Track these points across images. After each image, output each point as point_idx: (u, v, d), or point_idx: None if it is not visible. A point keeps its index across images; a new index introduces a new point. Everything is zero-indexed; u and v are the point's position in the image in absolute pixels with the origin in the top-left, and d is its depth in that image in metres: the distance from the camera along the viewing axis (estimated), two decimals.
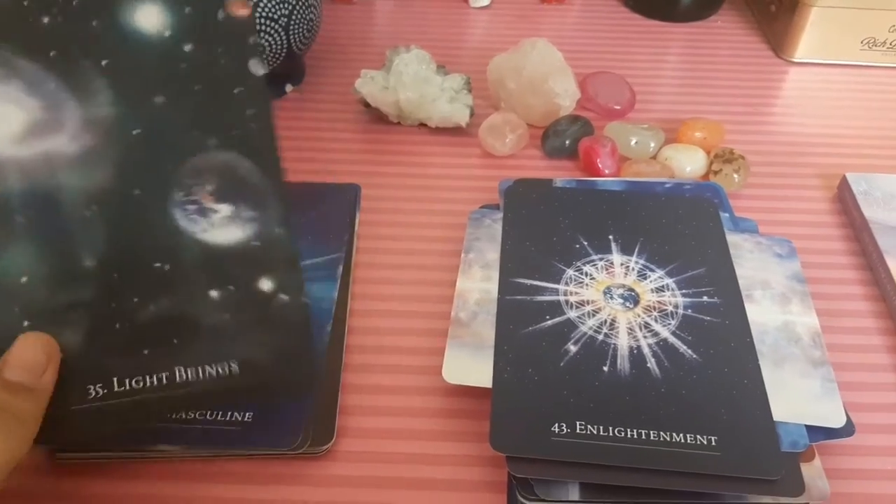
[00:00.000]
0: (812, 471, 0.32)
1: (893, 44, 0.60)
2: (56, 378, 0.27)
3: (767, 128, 0.55)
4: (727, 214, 0.44)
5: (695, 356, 0.36)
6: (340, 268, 0.41)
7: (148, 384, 0.28)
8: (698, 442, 0.32)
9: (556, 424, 0.33)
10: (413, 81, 0.51)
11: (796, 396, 0.35)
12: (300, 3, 0.51)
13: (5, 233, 0.27)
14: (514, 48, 0.53)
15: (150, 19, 0.29)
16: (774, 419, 0.33)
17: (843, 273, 0.43)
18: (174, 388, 0.28)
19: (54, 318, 0.27)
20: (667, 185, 0.46)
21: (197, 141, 0.29)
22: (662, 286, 0.39)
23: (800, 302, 0.39)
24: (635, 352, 0.36)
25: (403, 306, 0.41)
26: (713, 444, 0.32)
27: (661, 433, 0.33)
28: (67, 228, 0.28)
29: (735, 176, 0.47)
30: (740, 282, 0.39)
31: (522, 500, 0.31)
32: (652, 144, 0.50)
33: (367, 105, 0.52)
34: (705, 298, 0.38)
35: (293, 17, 0.51)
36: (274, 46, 0.52)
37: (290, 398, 0.30)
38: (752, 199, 0.48)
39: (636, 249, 0.41)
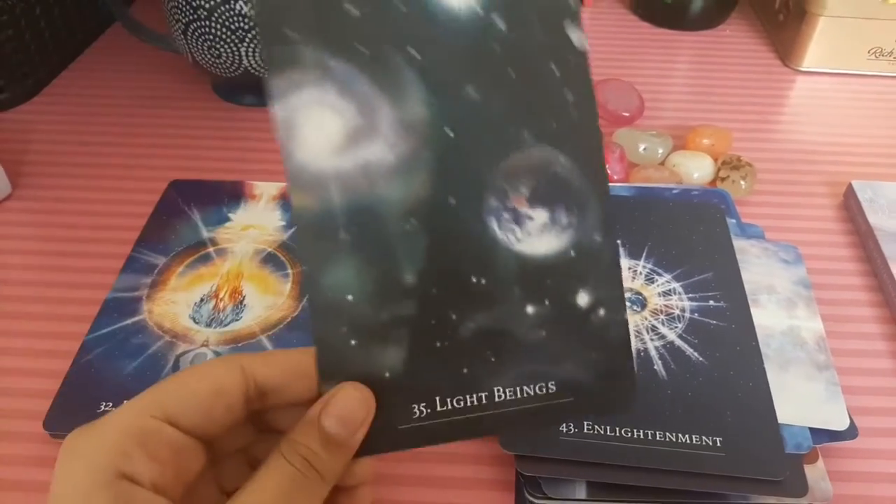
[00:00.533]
0: (815, 472, 0.33)
1: None
2: (364, 437, 0.26)
3: (775, 135, 0.55)
4: (734, 220, 0.44)
5: (701, 359, 0.36)
6: None
7: (468, 404, 0.27)
8: (704, 443, 0.33)
9: (565, 424, 0.33)
10: None
11: (801, 399, 0.35)
12: None
13: (332, 250, 0.26)
14: None
15: None
16: (779, 421, 0.34)
17: (849, 279, 0.44)
18: (494, 407, 0.27)
19: (379, 336, 0.26)
20: (674, 191, 0.47)
21: (511, 137, 0.27)
22: (669, 290, 0.40)
23: (805, 307, 0.39)
24: (642, 354, 0.37)
25: None
26: (718, 444, 0.33)
27: (668, 434, 0.33)
28: (389, 243, 0.26)
29: (742, 182, 0.48)
30: (746, 286, 0.40)
31: (530, 498, 0.32)
32: (660, 151, 0.51)
33: None
34: (711, 302, 0.39)
35: None
36: None
37: (609, 415, 0.29)
38: (759, 205, 0.49)
39: (644, 254, 0.42)
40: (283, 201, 0.47)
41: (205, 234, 0.44)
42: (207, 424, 0.25)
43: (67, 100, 0.58)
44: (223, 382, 0.25)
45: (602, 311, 0.27)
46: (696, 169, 0.49)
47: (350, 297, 0.26)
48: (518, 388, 0.27)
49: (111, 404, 0.35)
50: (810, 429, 0.34)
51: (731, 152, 0.51)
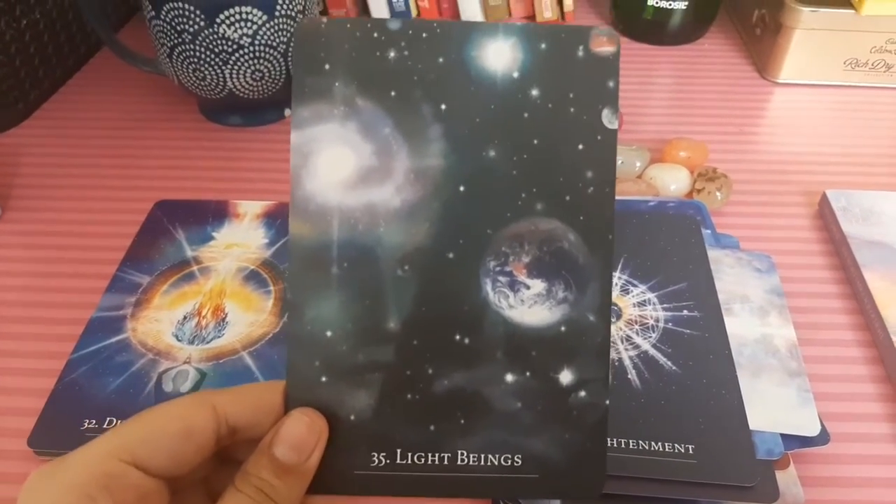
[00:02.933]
0: (787, 478, 0.34)
1: (875, 64, 0.61)
2: (318, 463, 0.25)
3: (752, 147, 0.56)
4: (709, 231, 0.45)
5: (674, 368, 0.37)
6: None
7: (429, 462, 0.26)
8: (676, 450, 0.34)
9: None
10: None
11: (773, 406, 0.36)
12: None
13: (321, 283, 0.26)
14: None
15: (501, 58, 0.26)
16: (751, 428, 0.35)
17: (823, 287, 0.45)
18: (455, 470, 0.26)
19: (351, 377, 0.26)
20: (651, 204, 0.47)
21: (522, 204, 0.26)
22: (644, 300, 0.40)
23: (778, 315, 0.40)
24: (616, 363, 0.37)
25: None
26: (690, 452, 0.33)
27: (640, 442, 0.34)
28: (379, 286, 0.26)
29: (718, 194, 0.49)
30: (720, 296, 0.41)
31: None
32: (638, 164, 0.52)
33: None
34: (685, 312, 0.40)
35: (291, 44, 0.53)
36: (273, 72, 0.54)
37: (573, 499, 0.28)
38: (735, 216, 0.49)
39: (619, 265, 0.42)
40: (267, 219, 0.47)
41: (189, 252, 0.45)
42: (175, 466, 0.24)
43: (57, 123, 0.59)
44: (194, 423, 0.25)
45: (583, 393, 0.26)
46: (672, 181, 0.50)
47: (329, 334, 0.26)
48: (483, 456, 0.26)
49: (95, 422, 0.36)
50: (782, 435, 0.35)
51: (708, 164, 0.52)
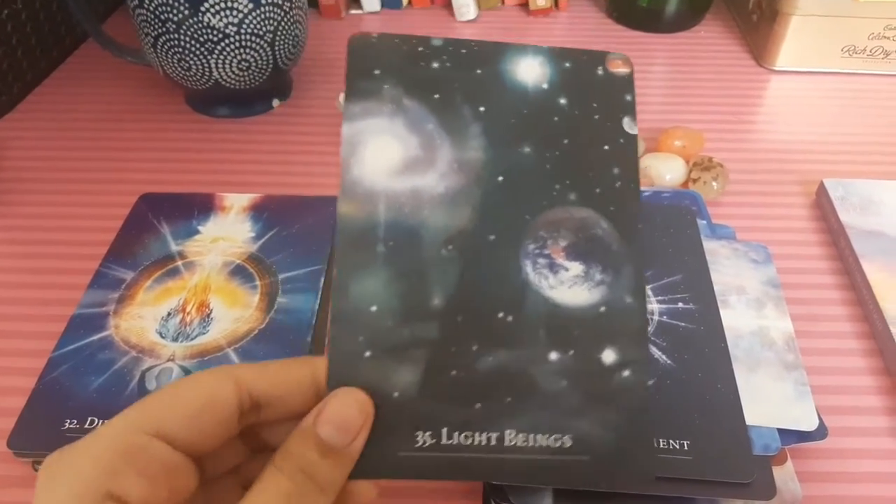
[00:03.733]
0: (784, 474, 0.33)
1: (873, 51, 0.60)
2: (363, 446, 0.24)
3: (748, 136, 0.55)
4: (704, 222, 0.44)
5: (669, 362, 0.36)
6: (322, 279, 0.42)
7: (475, 442, 0.26)
8: (671, 446, 0.33)
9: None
10: None
11: (770, 400, 0.35)
12: (285, 19, 0.52)
13: (366, 260, 0.27)
14: None
15: (531, 72, 0.29)
16: (748, 423, 0.34)
17: (821, 278, 0.44)
18: (502, 451, 0.26)
19: (395, 353, 0.26)
20: (645, 194, 0.46)
21: (557, 194, 0.28)
22: None
23: (774, 307, 0.39)
24: None
25: None
26: (685, 448, 0.33)
27: None
28: (423, 264, 0.27)
29: (714, 184, 0.48)
30: (716, 287, 0.40)
31: None
32: None
33: None
34: (681, 305, 0.39)
35: (279, 33, 0.52)
36: (259, 62, 0.53)
37: (625, 485, 0.26)
38: (732, 206, 0.49)
39: None
40: (254, 212, 0.46)
41: (173, 247, 0.44)
42: (199, 440, 0.24)
43: (42, 116, 0.58)
44: (216, 394, 0.24)
45: (627, 373, 0.27)
46: (667, 171, 0.49)
47: (374, 308, 0.26)
48: (531, 436, 0.26)
49: (76, 422, 0.35)
50: (779, 430, 0.34)
51: (704, 153, 0.51)
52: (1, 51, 0.56)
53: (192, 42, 0.50)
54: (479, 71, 0.29)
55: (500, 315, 0.27)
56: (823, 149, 0.54)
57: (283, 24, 0.52)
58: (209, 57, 0.51)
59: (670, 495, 0.32)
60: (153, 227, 0.45)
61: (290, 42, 0.54)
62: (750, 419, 0.34)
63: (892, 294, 0.40)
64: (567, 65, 0.30)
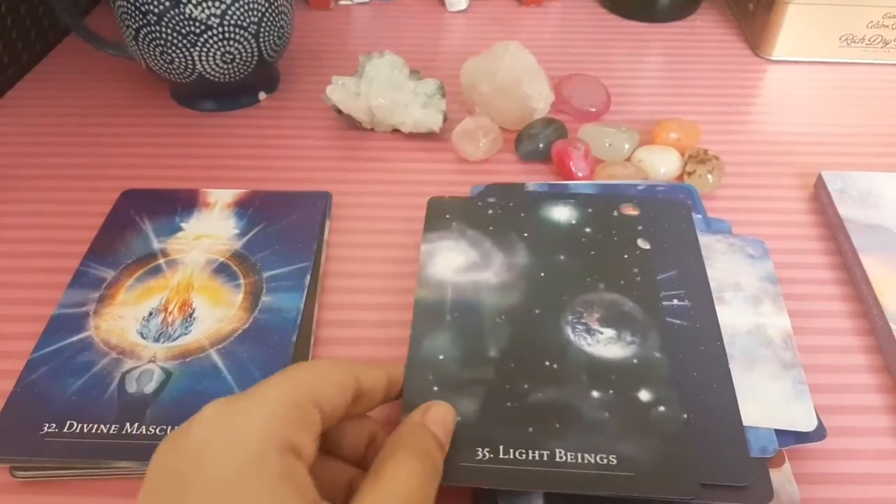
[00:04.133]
0: (781, 476, 0.32)
1: (871, 40, 0.59)
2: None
3: (744, 127, 0.54)
4: (699, 216, 0.43)
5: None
6: (307, 277, 0.41)
7: (529, 457, 0.30)
8: None
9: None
10: (385, 87, 0.51)
11: (767, 400, 0.34)
12: (270, 10, 0.51)
13: (437, 324, 0.35)
14: (487, 51, 0.53)
15: (562, 214, 0.41)
16: (745, 424, 0.33)
17: (819, 273, 0.43)
18: (555, 466, 0.30)
19: (458, 388, 0.32)
20: (640, 188, 0.45)
21: (589, 284, 0.37)
22: None
23: (772, 303, 0.38)
24: None
25: (374, 316, 0.40)
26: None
27: None
28: (481, 328, 0.35)
29: (709, 177, 0.47)
30: (712, 284, 0.39)
31: None
32: (626, 146, 0.50)
33: (339, 112, 0.52)
34: (675, 301, 0.38)
35: (263, 25, 0.51)
36: (244, 54, 0.51)
37: (670, 499, 0.30)
38: (728, 199, 0.48)
39: None
40: (238, 209, 0.45)
41: (156, 245, 0.43)
42: (331, 417, 0.26)
43: (24, 111, 0.57)
44: (345, 380, 0.27)
45: (662, 408, 0.32)
46: (662, 164, 0.48)
47: (441, 357, 0.34)
48: (580, 454, 0.30)
49: (55, 426, 0.34)
50: (776, 431, 0.33)
51: (699, 146, 0.50)
52: None
53: (174, 34, 0.49)
54: (522, 214, 0.41)
55: (547, 363, 0.34)
56: (821, 140, 0.53)
57: (267, 14, 0.51)
58: (192, 49, 0.50)
59: (659, 496, 0.31)
60: (135, 224, 0.44)
61: (276, 33, 0.53)
62: (746, 420, 0.33)
63: (892, 290, 0.39)
64: (589, 210, 0.41)
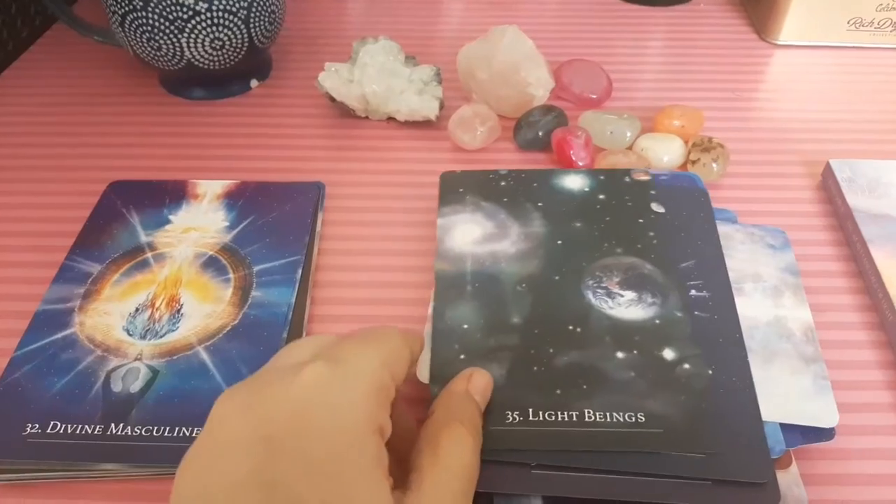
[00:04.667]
0: (788, 478, 0.31)
1: (881, 23, 0.58)
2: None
3: (750, 114, 0.53)
4: None
5: None
6: (299, 271, 0.40)
7: (559, 418, 0.31)
8: None
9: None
10: (379, 74, 0.50)
11: (786, 395, 0.33)
12: None
13: (459, 295, 0.36)
14: (484, 36, 0.51)
15: (574, 183, 0.42)
16: (763, 419, 0.31)
17: (827, 265, 0.41)
18: (584, 426, 0.30)
19: (484, 355, 0.33)
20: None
21: (606, 248, 0.38)
22: None
23: (792, 295, 0.37)
24: None
25: (368, 310, 0.39)
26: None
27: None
28: (503, 296, 0.36)
29: (714, 165, 0.45)
30: (731, 274, 0.37)
31: None
32: (628, 134, 0.48)
33: (332, 99, 0.50)
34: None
35: (253, 10, 0.49)
36: (234, 41, 0.50)
37: (697, 454, 0.30)
38: (732, 188, 0.46)
39: None
40: (228, 200, 0.44)
41: (143, 238, 0.42)
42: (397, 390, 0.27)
43: (10, 100, 0.55)
44: (407, 352, 0.28)
45: (687, 366, 0.32)
46: (665, 152, 0.46)
47: (465, 326, 0.34)
48: (608, 413, 0.31)
49: (38, 426, 0.33)
50: (783, 430, 0.32)
51: (703, 133, 0.49)
52: None
53: (161, 20, 0.47)
54: (535, 184, 0.41)
55: (570, 327, 0.34)
56: (829, 127, 0.51)
57: (257, 0, 0.49)
58: (180, 36, 0.48)
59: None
60: (122, 217, 0.43)
61: (266, 18, 0.51)
62: (765, 415, 0.32)
63: None
64: (602, 177, 0.42)
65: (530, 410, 0.31)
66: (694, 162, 0.46)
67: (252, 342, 0.36)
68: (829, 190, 0.46)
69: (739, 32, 0.62)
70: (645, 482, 0.30)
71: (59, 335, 0.37)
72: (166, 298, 0.38)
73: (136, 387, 0.34)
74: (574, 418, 0.30)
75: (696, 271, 0.37)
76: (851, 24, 0.58)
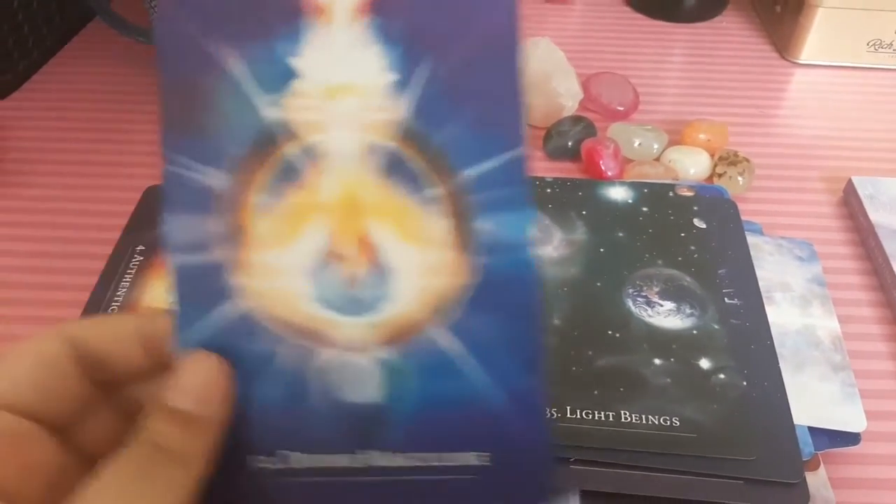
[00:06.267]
0: (817, 480, 0.32)
1: None
2: (231, 407, 0.21)
3: (772, 130, 0.54)
4: None
5: None
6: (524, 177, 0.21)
7: (595, 417, 0.32)
8: None
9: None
10: None
11: (816, 400, 0.34)
12: None
13: None
14: None
15: (619, 194, 0.42)
16: (795, 423, 0.33)
17: (849, 278, 0.43)
18: (620, 426, 0.31)
19: None
20: None
21: (647, 259, 0.39)
22: None
23: (820, 305, 0.38)
24: None
25: None
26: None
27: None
28: (544, 298, 0.36)
29: (739, 179, 0.47)
30: (760, 283, 0.39)
31: None
32: (655, 146, 0.49)
33: None
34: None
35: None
36: None
37: (731, 458, 0.31)
38: (757, 202, 0.48)
39: None
40: (381, 20, 0.20)
41: (266, 111, 0.20)
42: (42, 401, 0.22)
43: (48, 95, 0.56)
44: (44, 353, 0.22)
45: (722, 376, 0.34)
46: (692, 165, 0.48)
47: None
48: (644, 416, 0.32)
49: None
50: (812, 434, 0.33)
51: (728, 147, 0.50)
52: (6, 27, 0.55)
53: None
54: (580, 193, 0.42)
55: (609, 332, 0.35)
56: (851, 145, 0.53)
57: None
58: None
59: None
60: (216, 67, 0.20)
61: None
62: (797, 419, 0.33)
63: None
64: (646, 191, 0.43)
65: (567, 408, 0.32)
66: (720, 175, 0.47)
67: (501, 313, 0.21)
68: (851, 206, 0.47)
69: (761, 50, 0.63)
70: (680, 480, 0.31)
71: (215, 311, 0.21)
72: (355, 238, 0.21)
73: (369, 395, 0.21)
74: (611, 418, 0.32)
75: (727, 279, 0.39)
76: (871, 45, 0.59)
